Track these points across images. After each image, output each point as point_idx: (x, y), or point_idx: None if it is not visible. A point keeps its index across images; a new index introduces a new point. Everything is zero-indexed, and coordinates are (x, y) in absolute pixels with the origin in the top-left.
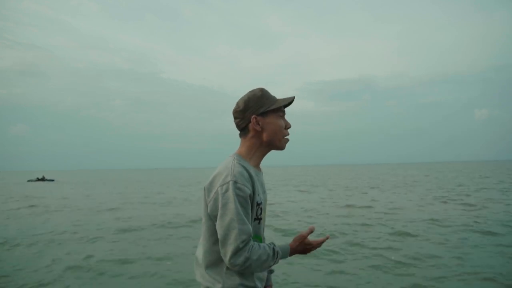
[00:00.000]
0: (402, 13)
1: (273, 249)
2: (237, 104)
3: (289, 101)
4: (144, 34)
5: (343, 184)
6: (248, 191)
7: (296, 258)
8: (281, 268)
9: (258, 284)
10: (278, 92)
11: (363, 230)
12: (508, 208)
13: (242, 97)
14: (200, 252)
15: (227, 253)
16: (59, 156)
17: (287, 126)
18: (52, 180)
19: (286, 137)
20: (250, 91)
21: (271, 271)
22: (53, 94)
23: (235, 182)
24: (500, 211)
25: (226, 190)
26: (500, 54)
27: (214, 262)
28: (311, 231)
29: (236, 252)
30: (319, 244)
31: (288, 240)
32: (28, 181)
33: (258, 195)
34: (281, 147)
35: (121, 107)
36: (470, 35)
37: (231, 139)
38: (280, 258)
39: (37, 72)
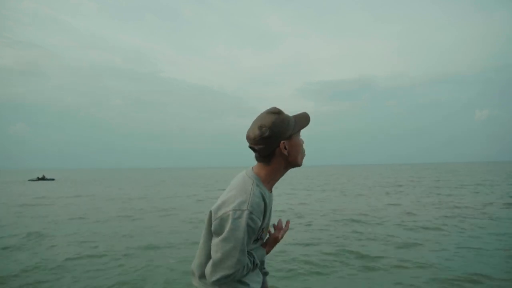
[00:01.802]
0: (402, 13)
1: (253, 261)
2: (260, 130)
3: (308, 121)
4: (144, 34)
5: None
6: (260, 223)
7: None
8: (280, 266)
9: (255, 285)
10: (278, 92)
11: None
12: None
13: (263, 121)
14: (195, 264)
15: (216, 274)
16: (59, 155)
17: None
18: (53, 179)
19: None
20: (269, 113)
21: (265, 273)
22: (53, 93)
23: (250, 213)
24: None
25: (239, 217)
26: (500, 54)
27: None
28: (281, 228)
29: (226, 278)
30: (284, 232)
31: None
32: (29, 180)
33: (266, 222)
34: (300, 165)
35: (121, 106)
36: (470, 35)
37: (231, 139)
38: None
39: (37, 71)
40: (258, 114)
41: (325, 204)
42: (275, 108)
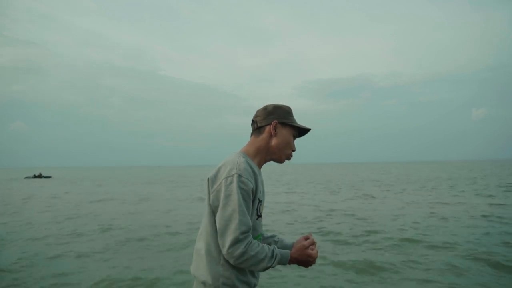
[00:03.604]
0: (399, 12)
1: (273, 251)
2: (266, 105)
3: (307, 130)
4: (143, 32)
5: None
6: (251, 185)
7: None
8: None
9: (254, 280)
10: (277, 91)
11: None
12: None
13: (273, 103)
14: (202, 246)
15: (225, 243)
16: (58, 153)
17: (293, 148)
18: (49, 177)
19: (288, 155)
20: (281, 104)
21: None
22: (51, 91)
23: (239, 176)
24: None
25: (231, 182)
26: (497, 53)
27: (214, 256)
28: (312, 242)
29: (236, 242)
30: (316, 255)
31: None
32: (25, 178)
33: (260, 192)
34: (280, 161)
35: (119, 104)
36: (467, 34)
37: (230, 137)
38: (279, 263)
39: (36, 69)
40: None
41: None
42: (289, 106)
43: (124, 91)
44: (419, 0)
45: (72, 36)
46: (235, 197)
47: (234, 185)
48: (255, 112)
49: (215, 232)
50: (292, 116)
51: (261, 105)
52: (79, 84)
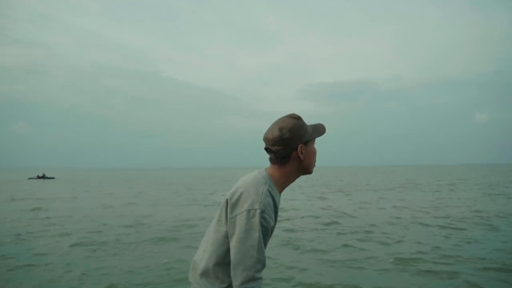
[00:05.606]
0: (399, 12)
1: None
2: (280, 131)
3: (324, 131)
4: (143, 32)
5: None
6: (272, 223)
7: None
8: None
9: None
10: (277, 92)
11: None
12: None
13: (283, 124)
14: (201, 262)
15: (238, 277)
16: (58, 154)
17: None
18: (53, 178)
19: (315, 162)
20: (289, 118)
21: None
22: (53, 92)
23: (262, 212)
24: None
25: (253, 217)
26: (498, 56)
27: (210, 276)
28: None
29: (249, 280)
30: None
31: None
32: (29, 178)
33: (275, 222)
34: (311, 172)
35: (121, 105)
36: (468, 35)
37: (231, 139)
38: None
39: (36, 69)
40: (257, 114)
41: None
42: (295, 114)
43: (124, 91)
44: (419, 0)
45: (73, 36)
46: (256, 234)
47: (256, 221)
48: (266, 138)
49: (216, 252)
50: (308, 128)
51: (261, 106)
52: (80, 84)
